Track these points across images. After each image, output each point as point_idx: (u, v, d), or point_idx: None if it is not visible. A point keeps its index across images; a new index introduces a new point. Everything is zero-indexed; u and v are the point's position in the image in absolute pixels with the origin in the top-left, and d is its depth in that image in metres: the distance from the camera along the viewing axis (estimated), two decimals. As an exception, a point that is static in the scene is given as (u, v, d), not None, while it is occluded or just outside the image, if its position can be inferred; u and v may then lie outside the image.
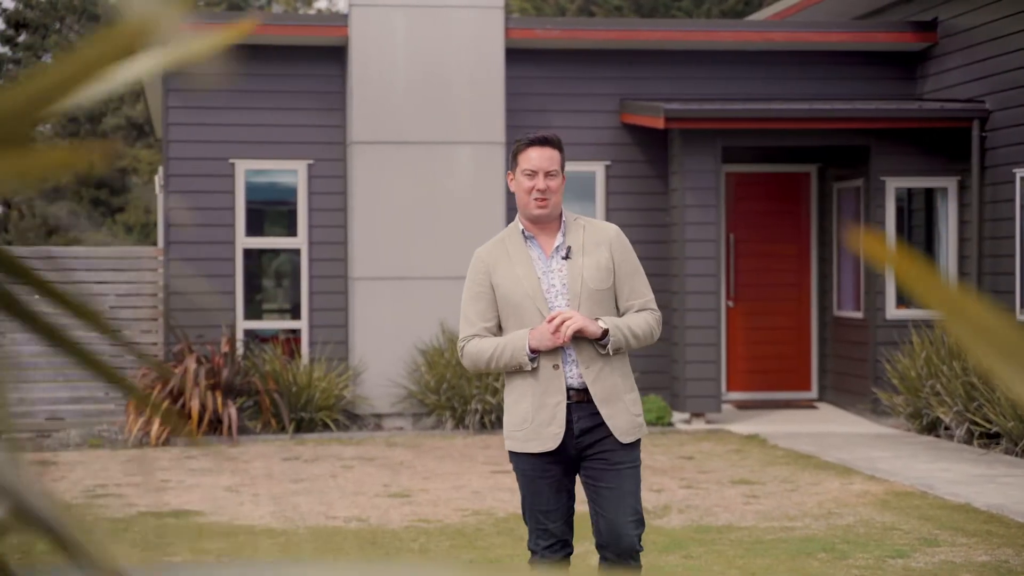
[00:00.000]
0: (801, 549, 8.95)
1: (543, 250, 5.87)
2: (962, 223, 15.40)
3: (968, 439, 13.27)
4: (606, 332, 5.67)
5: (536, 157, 5.84)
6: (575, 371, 5.71)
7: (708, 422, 15.28)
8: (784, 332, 17.10)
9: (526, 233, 5.89)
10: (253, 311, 15.76)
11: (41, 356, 15.49)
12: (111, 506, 10.74)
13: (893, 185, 15.59)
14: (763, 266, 17.03)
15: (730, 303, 16.89)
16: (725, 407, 16.08)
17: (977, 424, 13.11)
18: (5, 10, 43.85)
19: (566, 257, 5.82)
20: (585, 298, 5.75)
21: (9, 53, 44.05)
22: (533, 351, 5.67)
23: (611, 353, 5.69)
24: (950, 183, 15.53)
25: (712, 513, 10.22)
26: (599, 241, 5.88)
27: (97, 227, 40.29)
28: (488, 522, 9.88)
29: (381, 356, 15.26)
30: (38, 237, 40.74)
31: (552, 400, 5.70)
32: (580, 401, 5.72)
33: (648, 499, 10.77)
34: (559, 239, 5.87)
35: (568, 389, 5.71)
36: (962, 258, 15.38)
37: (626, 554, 5.75)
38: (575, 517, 5.91)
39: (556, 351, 5.68)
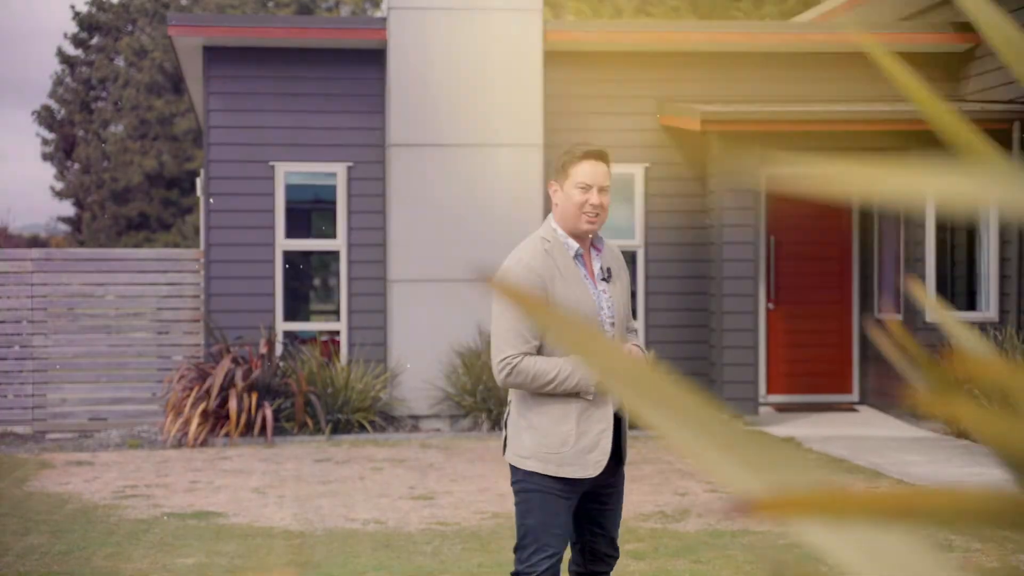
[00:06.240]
0: (812, 554, 8.91)
1: (587, 270, 5.62)
2: (1003, 225, 15.24)
3: (1004, 443, 13.13)
4: None
5: (591, 171, 5.58)
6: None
7: (745, 425, 15.17)
8: (826, 335, 16.97)
9: (577, 250, 5.60)
10: (292, 313, 15.84)
11: (84, 357, 15.69)
12: (137, 507, 10.86)
13: (934, 187, 15.42)
14: (804, 268, 16.91)
15: (771, 305, 16.80)
16: (764, 410, 16.00)
17: (1013, 428, 12.98)
18: (78, 13, 44.34)
19: (606, 279, 5.61)
20: (619, 324, 5.59)
21: (82, 56, 44.56)
22: None
23: None
24: (992, 184, 15.34)
25: (730, 517, 10.18)
26: (621, 263, 5.74)
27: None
28: (506, 526, 9.90)
29: (419, 358, 15.31)
30: (109, 238, 41.22)
31: (597, 427, 5.50)
32: (618, 430, 5.62)
33: (670, 503, 10.78)
34: (597, 258, 5.65)
35: (615, 417, 5.57)
36: (1003, 260, 15.22)
37: (614, 551, 5.71)
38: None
39: None
